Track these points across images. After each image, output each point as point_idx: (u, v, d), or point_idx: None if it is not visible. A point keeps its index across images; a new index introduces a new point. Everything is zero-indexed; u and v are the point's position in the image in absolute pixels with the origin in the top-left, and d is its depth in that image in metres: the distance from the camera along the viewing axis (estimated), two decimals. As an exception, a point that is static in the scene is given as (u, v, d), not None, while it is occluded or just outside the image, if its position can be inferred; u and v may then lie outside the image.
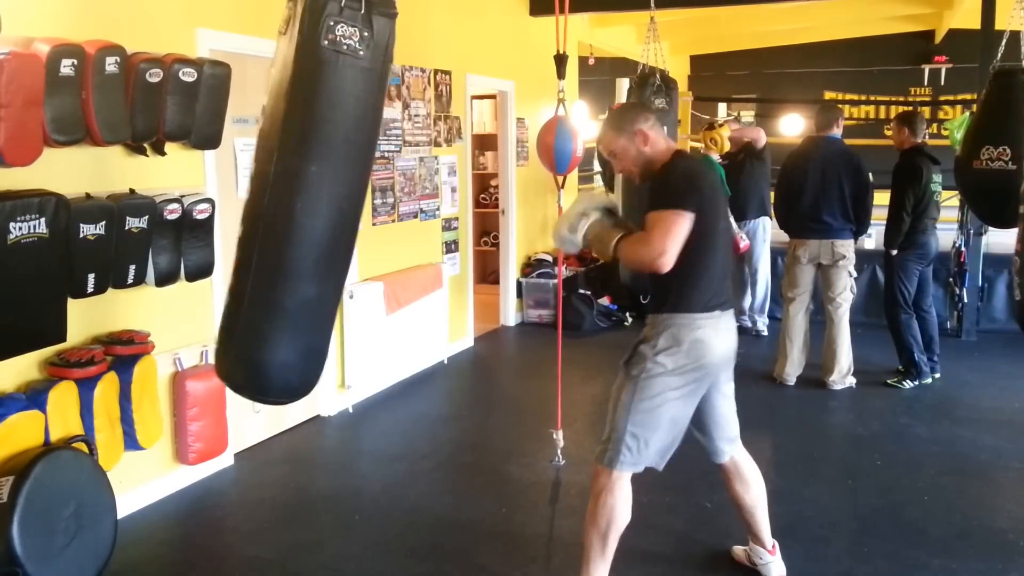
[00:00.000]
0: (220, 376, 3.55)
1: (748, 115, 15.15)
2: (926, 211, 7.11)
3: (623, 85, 11.92)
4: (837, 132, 7.22)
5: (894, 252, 7.19)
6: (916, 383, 7.27)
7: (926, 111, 14.40)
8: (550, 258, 10.00)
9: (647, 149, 3.78)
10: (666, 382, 3.70)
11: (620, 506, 3.76)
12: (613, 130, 3.86)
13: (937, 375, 7.46)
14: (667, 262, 3.48)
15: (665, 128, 6.48)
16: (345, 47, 3.12)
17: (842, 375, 7.26)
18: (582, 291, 9.57)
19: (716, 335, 3.74)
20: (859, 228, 7.14)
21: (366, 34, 3.16)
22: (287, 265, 3.29)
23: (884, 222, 7.28)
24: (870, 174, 7.17)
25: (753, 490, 4.12)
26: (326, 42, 3.09)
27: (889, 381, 7.36)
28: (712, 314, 3.73)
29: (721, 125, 9.21)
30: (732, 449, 4.07)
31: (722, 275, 3.81)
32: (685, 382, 3.72)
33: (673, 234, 3.50)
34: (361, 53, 3.17)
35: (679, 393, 3.73)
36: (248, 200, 3.36)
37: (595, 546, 3.78)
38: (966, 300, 8.89)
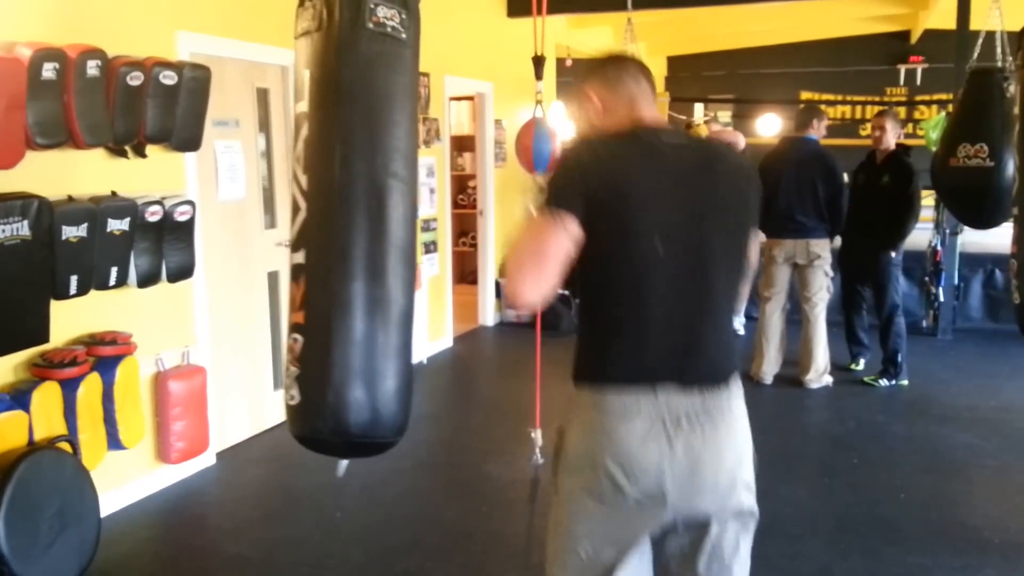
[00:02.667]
0: (307, 433, 2.93)
1: (725, 115, 15.21)
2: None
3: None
4: (814, 133, 7.26)
5: (893, 254, 7.27)
6: (893, 383, 7.35)
7: (902, 111, 14.50)
8: (529, 258, 10.01)
9: (604, 120, 2.59)
10: (578, 504, 2.43)
11: None
12: (573, 100, 2.82)
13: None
14: (520, 293, 2.35)
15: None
16: (389, 28, 2.91)
17: (819, 374, 7.32)
18: (560, 291, 9.59)
19: (649, 427, 2.32)
20: (834, 228, 7.18)
21: (404, 15, 2.97)
22: (380, 277, 2.92)
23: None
24: (844, 175, 7.23)
25: None
26: (371, 24, 2.86)
27: (866, 379, 7.43)
28: (634, 388, 2.35)
29: (698, 125, 9.26)
30: None
31: (669, 327, 2.38)
32: (604, 506, 2.38)
33: (528, 251, 2.36)
34: (403, 36, 2.97)
35: (600, 525, 2.41)
36: (307, 219, 2.92)
37: None
38: (942, 299, 8.97)
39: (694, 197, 2.42)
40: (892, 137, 7.28)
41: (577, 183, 2.33)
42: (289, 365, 2.89)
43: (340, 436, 2.89)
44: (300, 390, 2.86)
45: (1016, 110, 4.45)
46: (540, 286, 2.32)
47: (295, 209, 2.96)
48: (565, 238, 2.30)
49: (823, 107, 11.28)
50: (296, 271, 2.95)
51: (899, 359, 7.37)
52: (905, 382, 7.38)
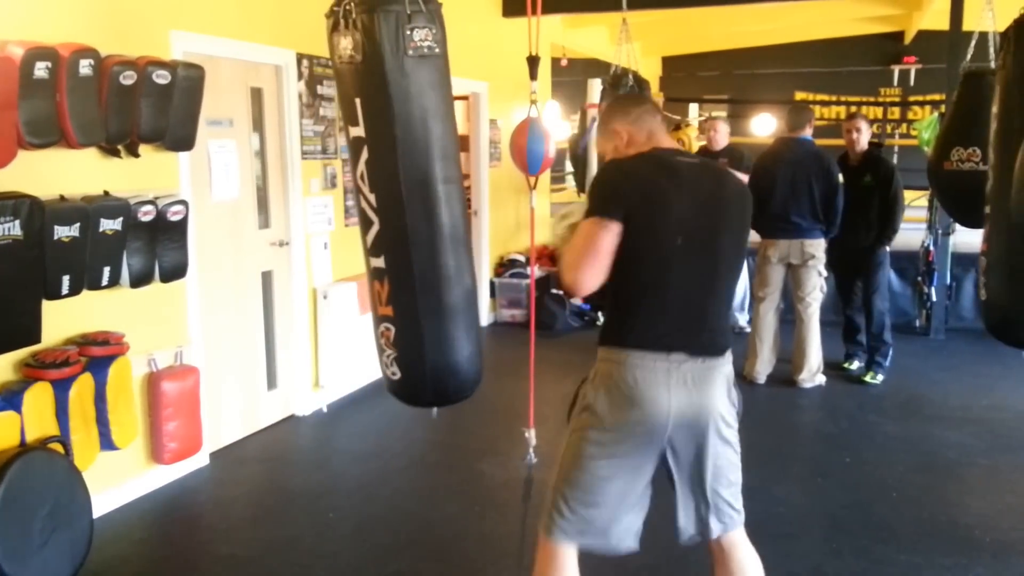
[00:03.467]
0: (412, 400, 3.75)
1: (720, 115, 15.22)
2: None
3: (595, 86, 11.94)
4: (808, 133, 7.29)
5: (887, 248, 7.36)
6: (883, 371, 7.48)
7: (896, 111, 14.53)
8: (522, 258, 10.04)
9: (627, 149, 3.24)
10: (597, 438, 3.09)
11: None
12: (599, 131, 3.41)
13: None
14: (580, 283, 3.00)
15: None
16: (426, 49, 3.30)
17: (812, 373, 7.33)
18: (554, 291, 9.61)
19: (663, 383, 2.99)
20: (828, 228, 7.20)
21: (435, 30, 3.33)
22: (448, 268, 3.52)
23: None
24: (840, 175, 7.25)
25: None
26: (411, 51, 3.26)
27: (865, 378, 7.48)
28: (658, 355, 3.00)
29: (688, 126, 9.23)
30: (703, 537, 3.29)
31: (683, 306, 3.05)
32: (617, 440, 3.07)
33: (585, 249, 2.98)
34: (437, 50, 3.35)
35: (611, 454, 3.09)
36: (381, 230, 3.51)
37: None
38: (934, 299, 8.99)
39: (706, 202, 3.08)
40: (866, 138, 7.37)
41: (618, 194, 3.00)
42: (385, 348, 3.60)
43: (437, 398, 3.71)
44: (400, 368, 3.59)
45: (995, 109, 4.48)
46: (598, 277, 3.00)
47: (367, 222, 3.55)
48: (613, 238, 2.96)
49: (817, 107, 11.31)
50: (378, 273, 3.57)
51: (890, 352, 7.50)
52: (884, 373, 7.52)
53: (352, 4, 3.30)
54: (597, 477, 3.11)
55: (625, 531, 3.20)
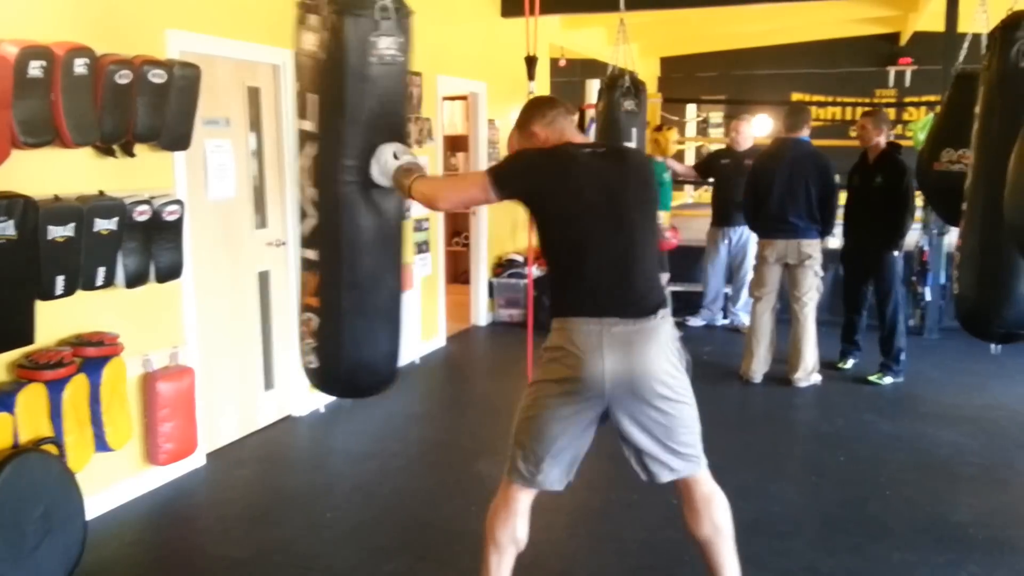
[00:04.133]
0: (326, 390, 3.90)
1: (717, 116, 15.24)
2: None
3: (593, 87, 11.94)
4: (806, 134, 7.30)
5: (896, 253, 7.33)
6: (899, 379, 7.46)
7: (891, 112, 14.54)
8: (521, 258, 10.04)
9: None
10: (545, 390, 3.46)
11: (501, 515, 3.67)
12: (515, 129, 3.76)
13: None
14: (439, 207, 3.58)
15: (633, 128, 6.48)
16: (389, 58, 3.34)
17: (807, 373, 7.34)
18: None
19: (597, 344, 3.32)
20: (825, 228, 7.22)
21: (401, 40, 3.38)
22: (376, 269, 3.59)
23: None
24: (836, 176, 7.26)
25: (704, 527, 3.58)
26: (374, 59, 3.30)
27: (871, 378, 7.49)
28: (587, 319, 3.35)
29: (670, 129, 9.25)
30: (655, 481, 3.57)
31: (607, 275, 3.40)
32: (563, 393, 3.41)
33: (460, 186, 3.90)
34: (401, 59, 3.40)
35: (558, 405, 3.44)
36: (318, 225, 3.53)
37: (483, 549, 3.75)
38: (929, 298, 9.01)
39: (608, 182, 3.44)
40: (878, 135, 7.32)
41: (518, 173, 3.47)
42: (306, 337, 3.66)
43: (349, 391, 3.93)
44: (317, 358, 3.64)
45: (977, 109, 4.53)
46: (452, 206, 3.91)
47: (304, 214, 3.57)
48: (481, 196, 3.52)
49: (813, 108, 11.30)
50: (309, 264, 3.60)
51: (902, 356, 7.48)
52: (901, 379, 7.48)
53: (322, 0, 3.29)
54: (545, 428, 3.47)
55: (556, 479, 3.57)
